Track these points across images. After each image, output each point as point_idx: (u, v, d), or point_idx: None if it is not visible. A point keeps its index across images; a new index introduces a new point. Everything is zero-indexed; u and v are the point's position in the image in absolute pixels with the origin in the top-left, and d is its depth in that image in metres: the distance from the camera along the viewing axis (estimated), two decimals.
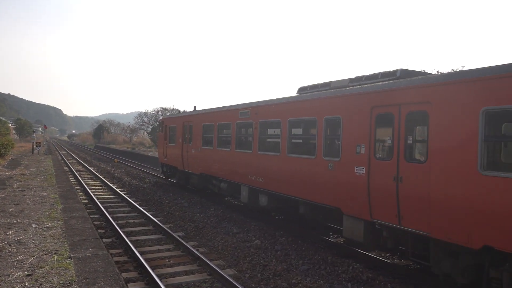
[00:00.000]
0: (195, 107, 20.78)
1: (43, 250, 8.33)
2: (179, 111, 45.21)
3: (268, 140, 12.82)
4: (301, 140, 11.80)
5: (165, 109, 67.77)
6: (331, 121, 9.66)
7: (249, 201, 13.59)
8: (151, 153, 46.78)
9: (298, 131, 11.86)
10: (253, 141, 12.98)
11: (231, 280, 7.63)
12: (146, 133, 77.05)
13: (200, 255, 9.18)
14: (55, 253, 8.15)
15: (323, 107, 9.83)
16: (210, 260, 9.03)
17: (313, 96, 10.48)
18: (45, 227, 10.42)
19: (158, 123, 27.93)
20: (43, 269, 7.17)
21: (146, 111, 75.65)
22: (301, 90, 11.63)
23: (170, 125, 22.02)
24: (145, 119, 75.50)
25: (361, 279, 8.27)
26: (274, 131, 12.42)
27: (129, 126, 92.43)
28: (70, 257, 7.91)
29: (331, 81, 10.52)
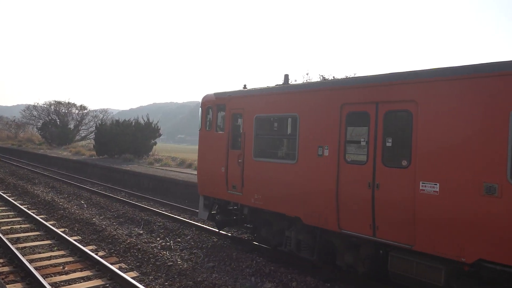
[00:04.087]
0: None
1: None
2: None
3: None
4: None
5: (58, 103, 61.85)
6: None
7: None
8: (41, 151, 42.45)
9: None
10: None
11: (134, 283, 7.35)
12: (36, 129, 69.44)
13: (99, 259, 8.65)
14: None
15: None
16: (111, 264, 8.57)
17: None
18: None
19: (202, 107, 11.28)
20: None
21: (36, 104, 67.78)
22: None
23: (236, 111, 10.25)
24: (35, 113, 67.93)
25: (264, 272, 8.61)
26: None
27: (14, 120, 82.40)
28: None
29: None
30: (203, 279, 7.91)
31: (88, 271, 8.44)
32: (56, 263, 8.82)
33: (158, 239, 11.35)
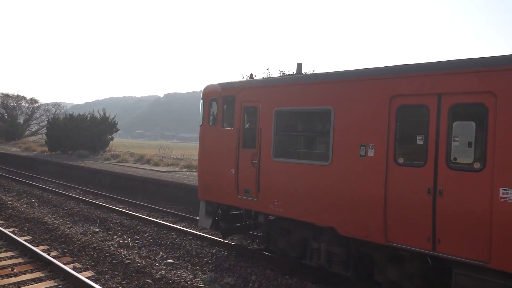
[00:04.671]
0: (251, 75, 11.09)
1: None
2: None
3: None
4: None
5: (6, 96, 58.04)
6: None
7: None
8: None
9: None
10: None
11: (89, 282, 7.13)
12: None
13: (51, 259, 8.30)
14: None
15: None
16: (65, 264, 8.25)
17: None
18: None
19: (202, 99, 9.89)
20: None
21: None
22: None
23: (249, 104, 8.99)
24: None
25: (224, 267, 8.64)
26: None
27: None
28: None
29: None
30: (161, 276, 7.81)
31: (39, 272, 8.07)
32: (4, 265, 8.36)
33: (115, 237, 11.05)
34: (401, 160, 6.34)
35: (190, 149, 48.50)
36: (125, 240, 10.60)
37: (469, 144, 5.87)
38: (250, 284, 7.86)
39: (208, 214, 9.69)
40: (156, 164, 26.05)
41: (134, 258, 8.98)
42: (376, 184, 6.47)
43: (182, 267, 8.81)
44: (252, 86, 8.89)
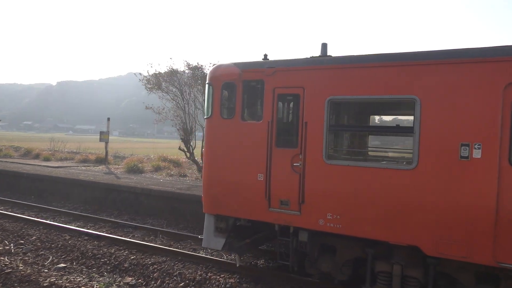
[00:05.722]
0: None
1: None
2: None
3: None
4: None
5: None
6: None
7: None
8: None
9: None
10: None
11: None
12: None
13: None
14: None
15: None
16: None
17: None
18: None
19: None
20: None
21: None
22: None
23: (286, 91, 7.21)
24: None
25: (124, 267, 8.14)
26: None
27: None
28: None
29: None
30: (50, 283, 7.05)
31: None
32: None
33: None
34: None
35: (87, 141, 45.15)
36: (6, 246, 9.35)
37: None
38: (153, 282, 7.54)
39: (220, 231, 7.67)
40: (47, 159, 23.60)
41: (18, 266, 7.97)
42: (484, 192, 5.40)
43: (76, 271, 8.07)
44: (291, 68, 6.97)
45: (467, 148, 5.48)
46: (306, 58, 6.97)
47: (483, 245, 5.41)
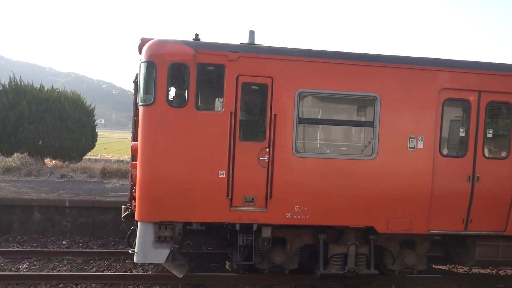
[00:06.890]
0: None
1: None
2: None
3: None
4: None
5: None
6: None
7: None
8: None
9: None
10: None
11: None
12: None
13: None
14: None
15: None
16: None
17: None
18: None
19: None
20: None
21: None
22: None
23: (252, 79, 6.88)
24: None
25: None
26: None
27: None
28: None
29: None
30: None
31: None
32: None
33: None
34: (444, 152, 7.13)
35: None
36: None
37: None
38: None
39: (163, 242, 6.61)
40: None
41: None
42: (424, 176, 6.91)
43: None
44: (259, 55, 6.59)
45: (414, 140, 6.80)
46: (276, 47, 6.81)
47: (421, 218, 6.90)
